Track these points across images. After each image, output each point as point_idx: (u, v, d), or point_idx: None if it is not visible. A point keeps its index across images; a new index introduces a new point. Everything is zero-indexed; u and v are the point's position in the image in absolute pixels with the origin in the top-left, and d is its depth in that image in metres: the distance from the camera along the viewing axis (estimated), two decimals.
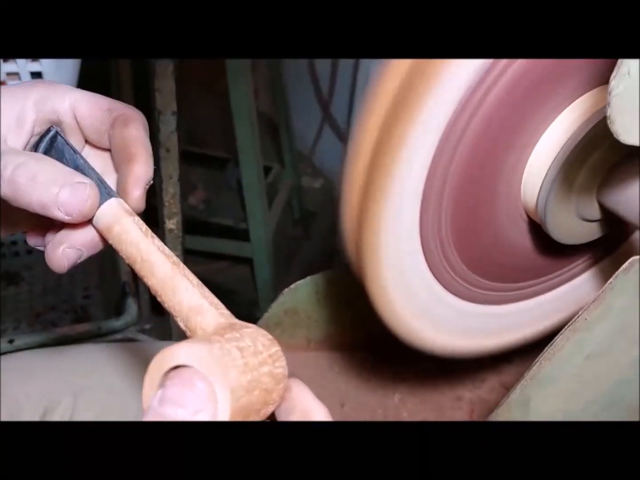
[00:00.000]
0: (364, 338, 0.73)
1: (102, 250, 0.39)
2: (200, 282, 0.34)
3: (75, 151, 0.39)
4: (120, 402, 0.59)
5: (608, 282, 0.43)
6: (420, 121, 0.42)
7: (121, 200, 0.37)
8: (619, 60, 0.35)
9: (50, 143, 0.39)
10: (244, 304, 1.46)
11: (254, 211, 1.36)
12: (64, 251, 0.37)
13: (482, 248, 0.52)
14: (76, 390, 0.59)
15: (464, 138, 0.45)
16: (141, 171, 0.38)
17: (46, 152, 0.39)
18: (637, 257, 0.43)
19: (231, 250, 1.48)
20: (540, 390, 0.48)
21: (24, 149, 0.39)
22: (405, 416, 0.69)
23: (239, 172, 1.34)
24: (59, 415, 0.58)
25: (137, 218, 0.37)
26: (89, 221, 0.37)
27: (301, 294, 0.69)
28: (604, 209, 0.51)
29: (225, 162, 1.65)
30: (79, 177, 0.36)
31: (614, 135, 0.38)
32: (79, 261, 0.38)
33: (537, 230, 0.53)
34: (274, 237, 1.45)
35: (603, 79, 0.46)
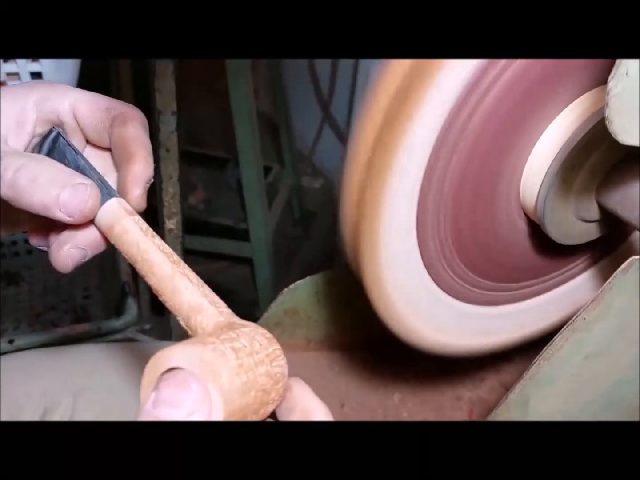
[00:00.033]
0: (364, 338, 0.73)
1: (103, 250, 0.39)
2: (200, 281, 0.34)
3: (76, 152, 0.39)
4: (120, 402, 0.59)
5: (607, 282, 0.44)
6: (419, 121, 0.42)
7: (122, 200, 0.37)
8: (617, 61, 0.35)
9: (53, 144, 0.40)
10: (244, 304, 1.46)
11: (254, 211, 1.36)
12: (69, 251, 0.38)
13: (481, 248, 0.53)
14: (76, 390, 0.59)
15: (462, 138, 0.45)
16: (140, 170, 0.38)
17: (49, 154, 0.39)
18: (636, 257, 0.43)
19: (231, 250, 1.48)
20: (539, 390, 0.48)
21: (25, 149, 0.40)
22: (405, 416, 0.69)
23: (239, 172, 1.34)
24: (59, 415, 0.58)
25: (138, 217, 0.37)
26: (91, 221, 0.37)
27: (301, 294, 0.69)
28: (603, 209, 0.51)
29: (225, 162, 1.65)
30: (79, 178, 0.36)
31: (613, 136, 0.38)
32: (83, 261, 0.38)
33: (536, 230, 0.53)
34: (274, 237, 1.45)
35: (602, 80, 0.46)
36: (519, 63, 0.43)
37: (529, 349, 0.60)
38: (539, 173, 0.48)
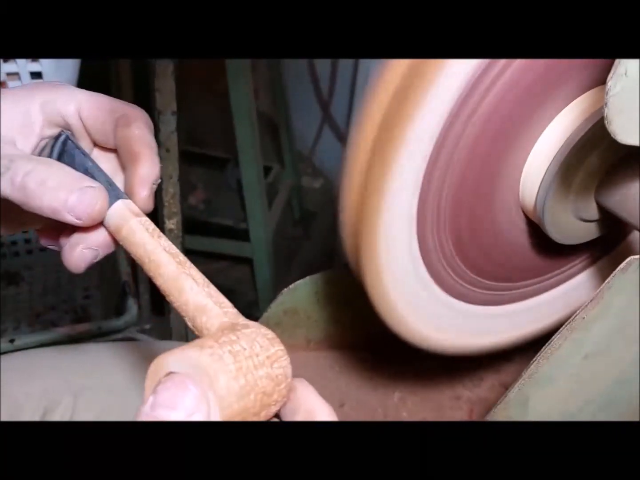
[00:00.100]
0: (364, 338, 0.73)
1: (114, 249, 0.40)
2: (206, 281, 0.34)
3: (84, 154, 0.39)
4: (120, 402, 0.59)
5: (606, 281, 0.44)
6: (419, 121, 0.42)
7: (128, 202, 0.38)
8: (616, 61, 0.36)
9: (63, 147, 0.40)
10: (244, 304, 1.46)
11: (254, 211, 1.36)
12: (81, 252, 0.38)
13: (481, 248, 0.53)
14: (76, 390, 0.59)
15: (462, 138, 0.45)
16: (146, 171, 0.38)
17: (60, 157, 0.40)
18: (635, 256, 0.43)
19: (231, 250, 1.48)
20: (539, 390, 0.48)
21: (33, 151, 0.40)
22: (405, 415, 0.69)
23: (239, 172, 1.34)
24: (59, 415, 0.58)
25: (145, 218, 0.37)
26: (101, 223, 0.38)
27: (301, 294, 0.69)
28: (602, 209, 0.51)
29: (225, 162, 1.65)
30: (87, 182, 0.37)
31: (612, 136, 0.38)
32: (95, 261, 0.39)
33: (536, 230, 0.53)
34: (274, 237, 1.45)
35: (601, 79, 0.46)
36: (518, 63, 0.43)
37: (529, 348, 0.60)
38: (538, 173, 0.48)
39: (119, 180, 0.40)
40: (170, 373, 0.26)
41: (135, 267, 1.10)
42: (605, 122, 0.37)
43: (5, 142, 0.38)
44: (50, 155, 0.40)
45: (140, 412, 0.26)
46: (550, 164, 0.47)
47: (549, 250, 0.56)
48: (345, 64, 1.61)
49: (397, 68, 0.42)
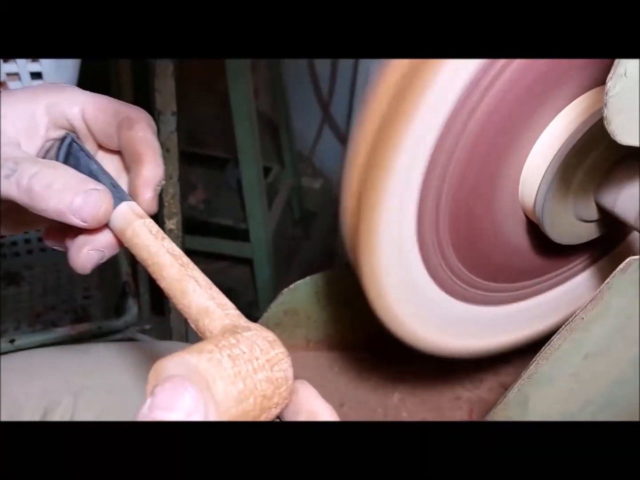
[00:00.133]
0: (363, 338, 0.73)
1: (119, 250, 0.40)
2: (209, 282, 0.34)
3: (89, 156, 0.40)
4: (120, 402, 0.59)
5: (605, 281, 0.44)
6: (418, 121, 0.42)
7: (132, 204, 0.38)
8: (616, 61, 0.36)
9: (68, 150, 0.40)
10: (244, 304, 1.46)
11: (254, 211, 1.36)
12: (88, 253, 0.38)
13: (481, 249, 0.53)
14: (76, 390, 0.59)
15: (462, 138, 0.45)
16: (150, 173, 0.38)
17: (66, 160, 0.40)
18: (634, 257, 0.43)
19: (231, 250, 1.48)
20: (539, 390, 0.48)
21: (38, 153, 0.40)
22: (404, 416, 0.69)
23: (239, 172, 1.34)
24: (59, 415, 0.57)
25: (149, 220, 0.37)
26: (106, 224, 0.38)
27: (301, 294, 0.69)
28: (601, 209, 0.51)
29: (225, 162, 1.65)
30: (92, 184, 0.37)
31: (611, 136, 0.38)
32: (101, 262, 0.39)
33: (535, 230, 0.53)
34: (274, 237, 1.45)
35: (601, 80, 0.46)
36: (518, 63, 0.43)
37: (529, 349, 0.60)
38: (537, 173, 0.48)
39: (123, 182, 0.40)
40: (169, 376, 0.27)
41: (135, 267, 1.10)
42: (605, 122, 0.37)
43: (11, 143, 0.38)
44: (56, 158, 0.40)
45: (139, 414, 0.26)
46: (549, 164, 0.47)
47: (548, 251, 0.56)
48: (345, 64, 1.61)
49: (397, 68, 0.42)
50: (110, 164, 0.41)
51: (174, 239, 0.92)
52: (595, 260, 0.61)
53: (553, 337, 0.46)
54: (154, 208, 0.39)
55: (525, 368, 0.47)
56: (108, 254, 0.39)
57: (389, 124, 0.42)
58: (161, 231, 0.37)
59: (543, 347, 0.46)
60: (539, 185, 0.48)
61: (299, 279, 0.69)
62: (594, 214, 0.52)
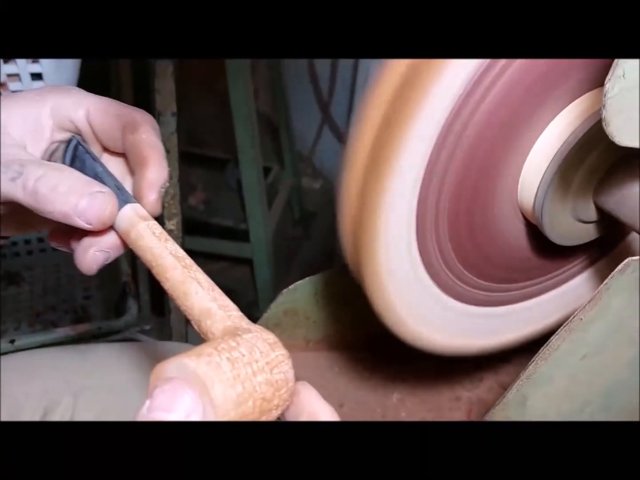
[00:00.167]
0: (363, 338, 0.73)
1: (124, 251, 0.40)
2: (211, 284, 0.34)
3: (94, 159, 0.40)
4: (120, 402, 0.59)
5: (604, 282, 0.44)
6: (418, 121, 0.42)
7: (136, 206, 0.38)
8: (614, 63, 0.36)
9: (74, 152, 0.40)
10: (244, 305, 1.46)
11: (254, 212, 1.36)
12: (94, 254, 0.39)
13: (480, 249, 0.53)
14: (76, 390, 0.59)
15: (462, 138, 0.45)
16: (154, 175, 0.39)
17: (72, 162, 0.40)
18: (633, 258, 0.43)
19: (231, 251, 1.48)
20: (537, 390, 0.48)
21: (43, 155, 0.40)
22: (403, 416, 0.69)
23: (239, 172, 1.34)
24: (59, 415, 0.58)
25: (153, 222, 0.37)
26: (111, 226, 0.38)
27: (300, 295, 0.69)
28: (600, 210, 0.51)
29: (225, 162, 1.65)
30: (97, 187, 0.37)
31: (609, 137, 0.38)
32: (106, 262, 0.39)
33: (534, 231, 0.53)
34: (274, 237, 1.45)
35: (600, 81, 0.46)
36: (518, 63, 0.43)
37: (528, 349, 0.60)
38: (536, 174, 0.48)
39: (127, 184, 0.41)
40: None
41: (135, 267, 1.10)
42: (603, 123, 0.37)
43: (16, 146, 0.39)
44: (63, 161, 0.41)
45: (138, 415, 0.26)
46: (549, 165, 0.47)
47: (547, 252, 0.56)
48: (345, 64, 1.61)
49: (397, 68, 0.42)
50: (115, 166, 0.42)
51: (174, 240, 0.92)
52: (594, 261, 0.61)
53: (552, 338, 0.46)
54: (158, 210, 0.39)
55: (524, 368, 0.47)
56: (113, 254, 0.39)
57: (388, 124, 0.42)
58: (165, 233, 0.37)
59: (542, 348, 0.46)
60: (538, 186, 0.48)
61: (299, 279, 0.69)
62: (593, 215, 0.52)
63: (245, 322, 0.32)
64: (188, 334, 1.03)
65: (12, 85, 0.75)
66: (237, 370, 0.27)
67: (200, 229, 1.48)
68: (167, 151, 0.87)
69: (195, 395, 0.26)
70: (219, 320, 0.31)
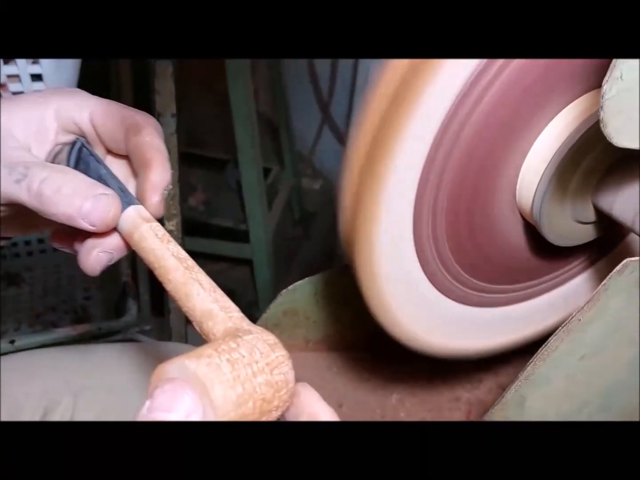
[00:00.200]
0: (362, 338, 0.73)
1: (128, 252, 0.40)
2: (213, 285, 0.34)
3: (98, 161, 0.40)
4: (120, 402, 0.59)
5: (602, 283, 0.44)
6: (416, 121, 0.42)
7: (139, 208, 0.38)
8: (612, 64, 0.36)
9: (78, 155, 0.41)
10: (244, 305, 1.46)
11: (254, 212, 1.36)
12: (97, 255, 0.39)
13: (478, 250, 0.53)
14: (76, 390, 0.59)
15: (460, 138, 0.45)
16: (157, 177, 0.39)
17: (77, 165, 0.40)
18: (631, 258, 0.43)
19: (231, 251, 1.48)
20: (535, 391, 0.48)
21: (47, 157, 0.41)
22: (403, 416, 0.69)
23: (239, 173, 1.34)
24: (59, 415, 0.58)
25: (155, 224, 0.38)
26: (114, 228, 0.38)
27: (300, 295, 0.69)
28: (598, 211, 0.51)
29: (224, 163, 1.64)
30: (101, 189, 0.37)
31: (607, 138, 0.38)
32: (110, 263, 0.40)
33: (533, 232, 0.53)
34: (274, 238, 1.45)
35: (598, 82, 0.46)
36: (517, 63, 0.43)
37: (527, 350, 0.60)
38: (535, 175, 0.48)
39: (131, 186, 0.41)
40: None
41: (135, 267, 1.10)
42: (601, 125, 0.37)
43: (21, 148, 0.39)
44: (67, 163, 0.41)
45: (138, 415, 0.26)
46: (547, 166, 0.47)
47: (546, 253, 0.56)
48: (345, 64, 1.61)
49: (396, 68, 0.42)
50: (118, 168, 0.42)
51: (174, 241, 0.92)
52: (593, 262, 0.61)
53: (550, 338, 0.46)
54: (161, 212, 0.39)
55: (523, 369, 0.47)
56: (117, 256, 0.40)
57: (388, 124, 0.42)
58: (167, 234, 0.37)
59: (540, 348, 0.46)
60: (537, 187, 0.48)
61: (299, 279, 0.69)
62: (591, 215, 0.52)
63: (246, 323, 0.32)
64: (188, 334, 1.03)
65: (12, 86, 0.75)
66: (237, 371, 0.27)
67: (200, 230, 1.48)
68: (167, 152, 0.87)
69: (196, 396, 0.26)
70: (220, 322, 0.32)
